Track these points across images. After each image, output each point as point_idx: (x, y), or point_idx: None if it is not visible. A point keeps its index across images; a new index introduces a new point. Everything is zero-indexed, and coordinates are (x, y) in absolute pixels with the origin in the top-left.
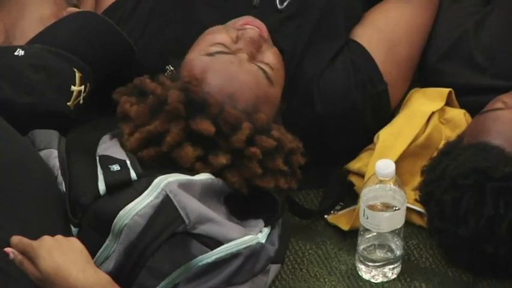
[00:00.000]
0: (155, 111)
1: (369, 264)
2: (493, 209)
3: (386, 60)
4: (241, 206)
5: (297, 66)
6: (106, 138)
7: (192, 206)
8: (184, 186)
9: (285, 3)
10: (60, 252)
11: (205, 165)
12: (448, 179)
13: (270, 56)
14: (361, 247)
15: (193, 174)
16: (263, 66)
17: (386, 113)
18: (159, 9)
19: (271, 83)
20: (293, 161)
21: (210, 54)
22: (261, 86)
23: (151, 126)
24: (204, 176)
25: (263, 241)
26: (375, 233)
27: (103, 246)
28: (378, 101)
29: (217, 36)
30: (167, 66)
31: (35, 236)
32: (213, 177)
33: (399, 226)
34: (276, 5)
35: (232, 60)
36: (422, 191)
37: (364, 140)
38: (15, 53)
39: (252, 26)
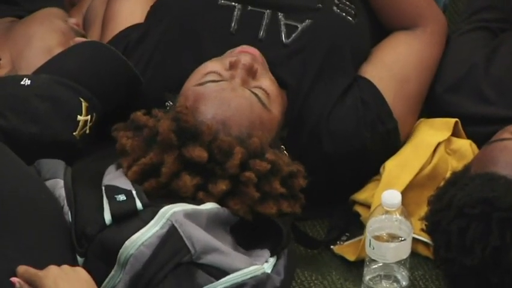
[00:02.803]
0: (149, 143)
1: None
2: (499, 239)
3: (396, 97)
4: (248, 236)
5: (304, 102)
6: (111, 168)
7: (197, 235)
8: (190, 215)
9: (291, 38)
10: (66, 282)
11: (208, 195)
12: (454, 209)
13: (266, 81)
14: (367, 277)
15: (198, 204)
16: (256, 91)
17: (395, 149)
18: (166, 41)
19: (265, 108)
20: (294, 184)
21: (202, 84)
22: (254, 111)
23: (146, 158)
24: (209, 206)
25: (269, 271)
26: (381, 264)
27: (109, 276)
28: (387, 139)
29: (210, 65)
30: (166, 103)
31: (41, 266)
32: (218, 206)
33: (405, 257)
34: (282, 39)
35: (225, 87)
36: (429, 221)
37: (370, 171)
38: (22, 83)
39: (245, 53)
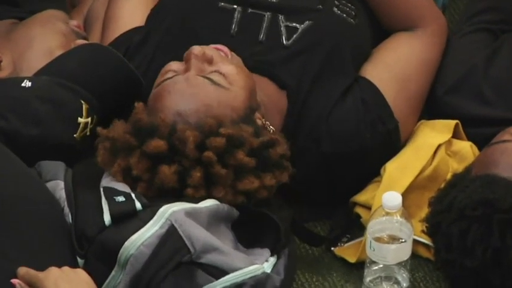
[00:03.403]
0: (113, 152)
1: None
2: (500, 241)
3: (397, 97)
4: (248, 235)
5: (304, 102)
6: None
7: (197, 235)
8: (190, 214)
9: (291, 40)
10: (67, 283)
11: (193, 188)
12: (455, 211)
13: (223, 65)
14: (367, 279)
15: (197, 202)
16: (209, 75)
17: (396, 149)
18: (166, 44)
19: (222, 88)
20: (269, 154)
21: (159, 84)
22: (209, 94)
23: (115, 167)
24: (209, 203)
25: (268, 271)
26: (381, 265)
27: (109, 277)
28: (388, 139)
29: (168, 65)
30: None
31: (41, 267)
32: (218, 202)
33: (405, 258)
34: (282, 41)
35: (177, 80)
36: (429, 222)
37: (371, 173)
38: (22, 85)
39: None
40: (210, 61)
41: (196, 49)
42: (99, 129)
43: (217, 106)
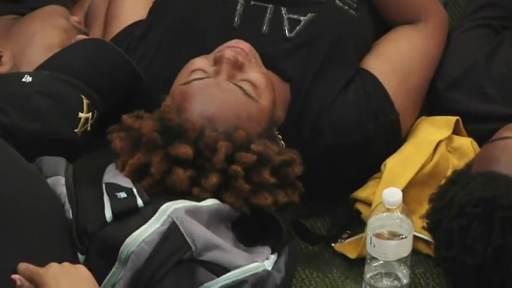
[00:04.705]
0: (136, 144)
1: None
2: (501, 239)
3: (397, 89)
4: (249, 233)
5: (307, 94)
6: (111, 166)
7: (198, 232)
8: (191, 212)
9: (294, 32)
10: (67, 278)
11: (202, 190)
12: (456, 207)
13: (253, 73)
14: (368, 275)
15: (199, 201)
16: (241, 83)
17: (397, 141)
18: (168, 39)
19: (252, 99)
20: (288, 173)
21: (188, 82)
22: (240, 104)
23: (134, 159)
24: (210, 202)
25: (269, 268)
26: (382, 262)
27: (110, 273)
28: (390, 131)
29: (196, 63)
30: (162, 103)
31: (42, 263)
32: (219, 202)
33: (406, 254)
34: (285, 33)
35: (209, 83)
36: (430, 219)
37: (372, 169)
38: (23, 80)
39: (232, 47)
40: (240, 68)
41: (228, 53)
42: (125, 117)
43: (246, 117)
